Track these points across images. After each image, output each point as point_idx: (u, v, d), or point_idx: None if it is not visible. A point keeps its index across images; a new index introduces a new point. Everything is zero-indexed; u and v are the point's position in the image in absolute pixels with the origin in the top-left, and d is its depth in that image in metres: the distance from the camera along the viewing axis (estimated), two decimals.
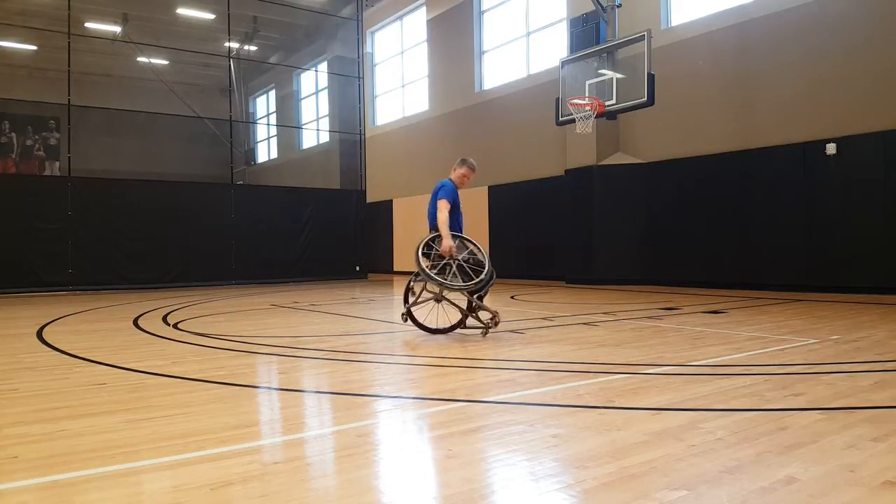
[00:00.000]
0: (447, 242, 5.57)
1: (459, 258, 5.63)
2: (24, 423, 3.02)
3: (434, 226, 5.83)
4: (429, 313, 6.01)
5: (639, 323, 6.73)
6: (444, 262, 5.58)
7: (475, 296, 5.73)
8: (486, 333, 5.79)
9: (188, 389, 3.71)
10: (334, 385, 3.94)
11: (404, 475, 2.35)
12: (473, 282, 5.53)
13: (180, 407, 3.30)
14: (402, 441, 2.75)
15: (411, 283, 6.11)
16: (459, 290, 5.58)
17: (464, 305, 5.90)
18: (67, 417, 3.10)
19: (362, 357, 4.88)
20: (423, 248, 5.68)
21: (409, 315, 5.85)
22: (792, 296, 9.76)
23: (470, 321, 5.98)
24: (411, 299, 5.96)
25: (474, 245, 5.87)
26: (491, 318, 5.71)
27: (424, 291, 5.87)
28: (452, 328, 5.94)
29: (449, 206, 5.77)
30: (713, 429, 2.75)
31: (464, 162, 6.07)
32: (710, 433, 2.69)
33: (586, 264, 13.48)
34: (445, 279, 5.50)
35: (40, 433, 2.84)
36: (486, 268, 5.61)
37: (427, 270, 5.54)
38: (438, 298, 5.82)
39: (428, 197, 6.03)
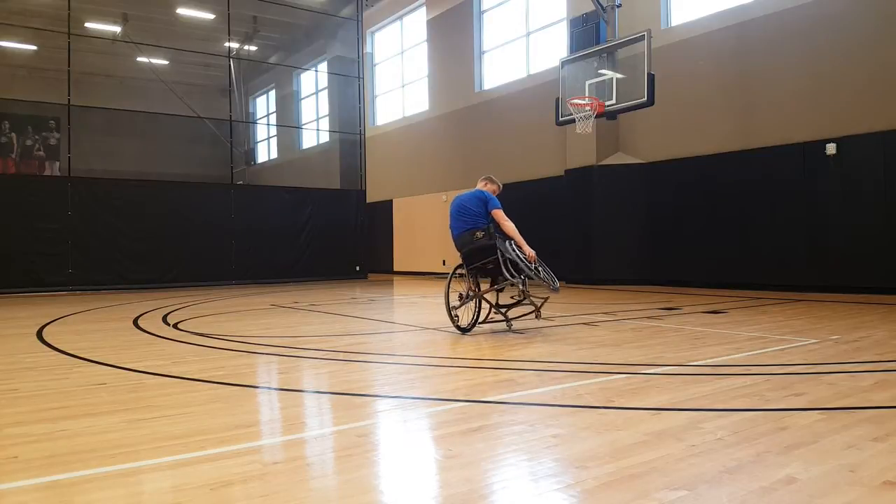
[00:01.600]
0: (529, 249, 5.79)
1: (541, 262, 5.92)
2: (24, 423, 3.02)
3: (475, 229, 5.96)
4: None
5: (639, 323, 6.73)
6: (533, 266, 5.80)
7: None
8: (510, 326, 6.17)
9: (188, 389, 3.71)
10: (334, 385, 3.94)
11: (404, 475, 2.35)
12: (556, 282, 5.83)
13: (180, 407, 3.30)
14: (402, 441, 2.75)
15: (450, 286, 6.19)
16: (555, 289, 5.83)
17: (493, 301, 6.24)
18: (67, 417, 3.10)
19: (362, 357, 4.88)
20: (516, 253, 5.77)
21: (453, 318, 6.02)
22: (792, 296, 9.75)
23: (492, 315, 6.27)
24: (457, 302, 6.05)
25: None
26: (541, 305, 5.90)
27: (468, 292, 6.05)
28: (475, 324, 6.06)
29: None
30: (713, 429, 2.75)
31: (493, 180, 6.37)
32: (710, 433, 2.69)
33: (586, 264, 13.47)
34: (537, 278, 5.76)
35: (40, 433, 2.83)
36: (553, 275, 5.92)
37: (543, 276, 5.77)
38: (477, 298, 6.11)
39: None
